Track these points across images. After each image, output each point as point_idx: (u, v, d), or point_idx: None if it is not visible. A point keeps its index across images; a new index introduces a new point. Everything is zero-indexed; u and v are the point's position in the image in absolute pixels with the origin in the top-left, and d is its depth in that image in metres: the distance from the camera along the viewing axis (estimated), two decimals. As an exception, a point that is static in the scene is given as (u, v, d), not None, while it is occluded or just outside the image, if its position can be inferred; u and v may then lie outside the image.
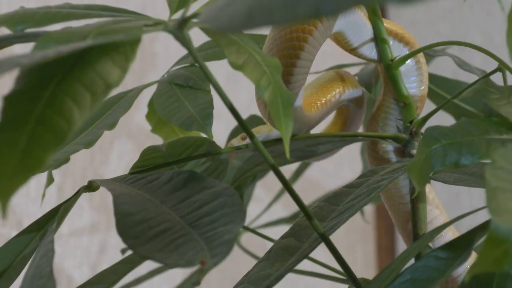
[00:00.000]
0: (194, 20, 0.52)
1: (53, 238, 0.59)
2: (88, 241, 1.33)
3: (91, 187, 0.66)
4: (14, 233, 1.21)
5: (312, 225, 0.58)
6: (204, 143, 0.73)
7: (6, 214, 0.45)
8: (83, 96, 0.47)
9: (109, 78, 0.48)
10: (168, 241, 0.51)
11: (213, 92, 0.78)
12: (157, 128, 0.92)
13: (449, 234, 0.74)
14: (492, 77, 0.68)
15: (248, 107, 1.32)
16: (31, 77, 0.46)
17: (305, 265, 0.81)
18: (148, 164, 0.72)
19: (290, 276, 0.68)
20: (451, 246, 0.56)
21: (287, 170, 1.16)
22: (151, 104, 0.90)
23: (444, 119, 0.90)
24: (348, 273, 0.62)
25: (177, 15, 0.58)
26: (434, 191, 0.75)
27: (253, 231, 0.92)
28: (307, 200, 1.10)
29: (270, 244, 0.82)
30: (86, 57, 0.48)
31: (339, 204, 0.66)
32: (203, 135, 0.75)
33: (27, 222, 1.21)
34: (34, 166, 0.46)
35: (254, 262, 0.69)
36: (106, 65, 0.48)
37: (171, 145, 0.73)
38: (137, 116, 1.35)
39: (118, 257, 0.88)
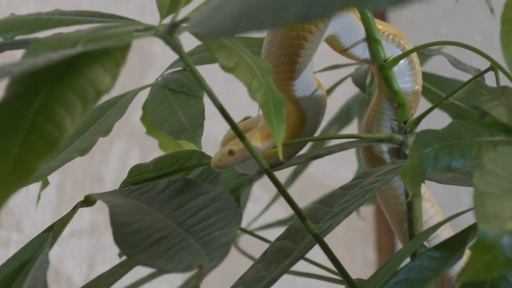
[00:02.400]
0: (184, 24, 0.52)
1: (48, 251, 0.59)
2: (88, 241, 1.33)
3: (88, 201, 0.67)
4: (14, 234, 1.21)
5: (305, 226, 0.58)
6: (194, 155, 0.73)
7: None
8: (74, 103, 0.47)
9: (99, 84, 0.48)
10: (165, 248, 0.51)
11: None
12: (152, 130, 0.92)
13: (445, 234, 0.74)
14: (489, 78, 0.69)
15: (246, 107, 1.32)
16: (22, 84, 0.46)
17: (302, 266, 0.81)
18: (137, 180, 0.71)
19: (288, 277, 0.68)
20: (445, 245, 0.56)
21: (286, 169, 1.15)
22: (145, 106, 0.90)
23: (439, 117, 0.90)
24: (343, 274, 0.62)
25: (168, 19, 0.58)
26: (429, 190, 0.75)
27: (251, 233, 0.92)
28: (306, 200, 1.09)
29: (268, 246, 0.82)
30: (77, 64, 0.48)
31: (334, 206, 0.66)
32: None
33: (26, 223, 1.21)
34: (27, 174, 0.46)
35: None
36: (96, 72, 0.48)
37: (159, 161, 0.73)
38: (137, 116, 1.35)
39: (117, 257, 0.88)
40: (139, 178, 0.72)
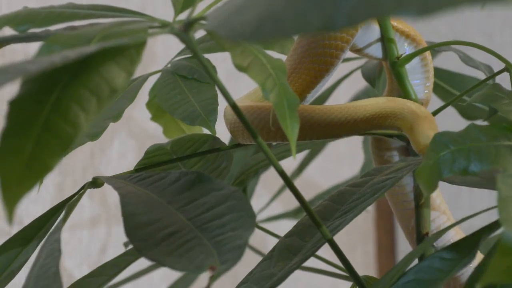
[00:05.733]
0: (201, 22, 0.52)
1: (59, 237, 0.58)
2: (88, 240, 1.33)
3: (95, 183, 0.66)
4: (14, 231, 1.21)
5: (320, 232, 0.58)
6: (208, 140, 0.73)
7: (13, 220, 0.45)
8: (89, 101, 0.46)
9: (114, 82, 0.47)
10: (176, 245, 0.50)
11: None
12: (157, 117, 0.91)
13: (452, 233, 0.74)
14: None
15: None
16: (36, 82, 0.46)
17: (307, 261, 0.81)
18: (152, 162, 0.71)
19: (291, 275, 0.68)
20: (456, 247, 0.56)
21: (286, 169, 1.15)
22: (152, 92, 0.90)
23: (442, 113, 0.89)
24: (351, 274, 0.62)
25: (182, 15, 0.57)
26: (437, 188, 0.75)
27: (256, 225, 0.92)
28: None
29: (270, 238, 0.81)
30: (91, 61, 0.47)
31: (343, 203, 0.65)
32: (205, 129, 0.75)
33: (27, 221, 1.20)
34: (40, 172, 0.46)
35: (256, 259, 0.69)
36: (111, 69, 0.48)
37: (175, 143, 0.73)
38: (137, 114, 1.34)
39: (118, 253, 0.87)
40: (153, 160, 0.72)
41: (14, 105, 0.46)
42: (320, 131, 0.67)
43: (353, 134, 0.70)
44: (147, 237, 0.52)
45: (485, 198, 1.62)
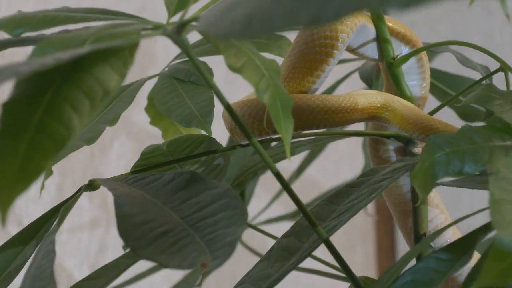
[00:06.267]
0: (193, 23, 0.52)
1: (54, 238, 0.59)
2: (88, 241, 1.33)
3: (92, 186, 0.66)
4: (14, 231, 1.21)
5: (316, 232, 0.58)
6: (205, 141, 0.73)
7: (6, 222, 0.45)
8: (82, 103, 0.47)
9: (107, 84, 0.47)
10: (169, 243, 0.51)
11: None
12: (156, 121, 0.92)
13: (449, 233, 0.74)
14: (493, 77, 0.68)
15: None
16: (30, 83, 0.46)
17: (304, 262, 0.81)
18: (149, 163, 0.72)
19: (289, 276, 0.68)
20: (452, 247, 0.56)
21: (286, 170, 1.15)
22: (150, 97, 0.90)
23: (442, 114, 0.89)
24: (349, 275, 0.62)
25: (176, 17, 0.57)
26: (434, 189, 0.75)
27: (254, 227, 0.92)
28: (306, 201, 1.09)
29: (270, 241, 0.81)
30: (85, 63, 0.47)
31: (340, 204, 0.66)
32: (203, 132, 0.75)
33: (26, 222, 1.21)
34: (34, 174, 0.46)
35: (254, 261, 0.69)
36: (104, 71, 0.48)
37: (171, 143, 0.73)
38: (137, 116, 1.34)
39: (118, 254, 0.87)
40: (149, 162, 0.72)
41: (8, 107, 0.46)
42: (317, 119, 0.67)
43: (348, 124, 0.70)
44: (140, 236, 0.52)
45: (485, 199, 1.62)
